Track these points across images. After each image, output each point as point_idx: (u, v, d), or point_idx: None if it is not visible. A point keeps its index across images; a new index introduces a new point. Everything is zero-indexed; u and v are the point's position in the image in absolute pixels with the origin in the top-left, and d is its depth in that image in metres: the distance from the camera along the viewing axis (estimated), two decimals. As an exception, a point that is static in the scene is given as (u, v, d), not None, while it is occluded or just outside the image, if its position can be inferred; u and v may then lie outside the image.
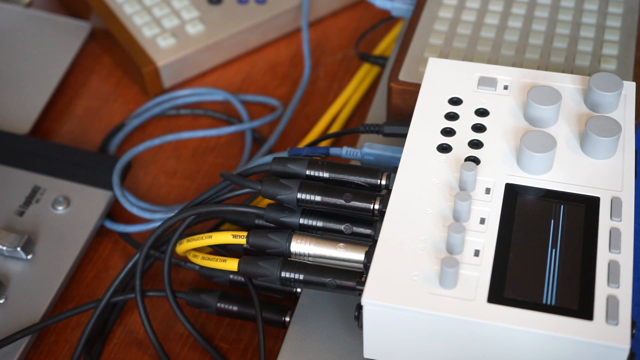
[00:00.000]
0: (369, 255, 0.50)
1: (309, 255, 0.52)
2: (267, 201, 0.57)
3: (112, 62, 0.80)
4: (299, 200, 0.52)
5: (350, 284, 0.50)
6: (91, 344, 0.59)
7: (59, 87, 0.76)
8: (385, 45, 0.78)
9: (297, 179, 0.53)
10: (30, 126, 0.71)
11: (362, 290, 0.46)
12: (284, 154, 0.59)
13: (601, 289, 0.44)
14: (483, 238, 0.47)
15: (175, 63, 0.75)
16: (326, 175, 0.53)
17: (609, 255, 0.46)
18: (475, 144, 0.51)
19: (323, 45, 0.81)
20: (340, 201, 0.52)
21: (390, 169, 0.56)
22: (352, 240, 0.52)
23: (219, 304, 0.58)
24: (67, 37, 0.78)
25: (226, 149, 0.73)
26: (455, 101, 0.54)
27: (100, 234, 0.66)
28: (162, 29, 0.76)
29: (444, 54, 0.61)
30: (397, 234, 0.47)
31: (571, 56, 0.60)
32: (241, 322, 0.61)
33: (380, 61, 0.75)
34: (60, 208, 0.64)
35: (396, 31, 0.78)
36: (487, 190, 0.49)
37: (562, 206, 0.48)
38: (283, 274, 0.52)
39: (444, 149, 0.51)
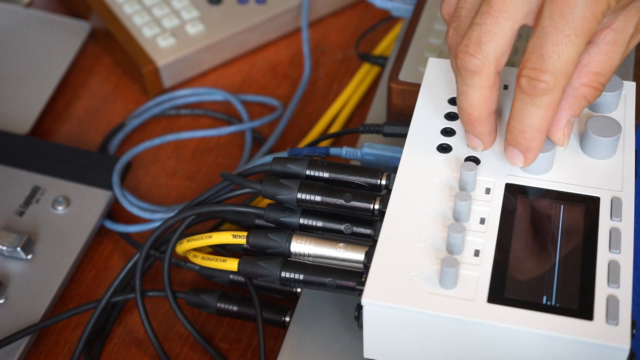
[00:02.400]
0: (369, 255, 0.50)
1: (309, 255, 0.52)
2: (267, 201, 0.57)
3: (112, 62, 0.80)
4: (299, 200, 0.52)
5: (350, 284, 0.50)
6: (91, 344, 0.59)
7: (59, 87, 0.76)
8: (385, 45, 0.78)
9: (297, 179, 0.53)
10: (30, 126, 0.71)
11: (362, 290, 0.46)
12: (284, 154, 0.59)
13: (601, 289, 0.44)
14: (483, 238, 0.47)
15: (175, 63, 0.75)
16: (326, 175, 0.53)
17: (609, 255, 0.46)
18: (475, 144, 0.52)
19: (323, 45, 0.81)
20: (340, 201, 0.52)
21: (390, 169, 0.56)
22: (352, 240, 0.52)
23: (219, 304, 0.58)
24: (67, 37, 0.78)
25: (226, 149, 0.73)
26: (455, 101, 0.54)
27: (100, 234, 0.66)
28: (162, 29, 0.76)
29: (444, 54, 0.61)
30: (397, 234, 0.47)
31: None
32: (241, 322, 0.61)
33: (380, 61, 0.75)
34: (60, 208, 0.64)
35: (396, 31, 0.78)
36: (487, 190, 0.49)
37: (562, 206, 0.48)
38: (283, 274, 0.52)
39: (444, 149, 0.51)
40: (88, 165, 0.67)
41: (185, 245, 0.55)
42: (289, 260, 0.52)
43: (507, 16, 0.45)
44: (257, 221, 0.59)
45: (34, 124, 0.72)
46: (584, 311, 0.44)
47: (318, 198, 0.52)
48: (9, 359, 0.56)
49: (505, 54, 0.46)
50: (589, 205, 0.48)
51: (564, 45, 0.44)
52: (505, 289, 0.45)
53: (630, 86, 0.54)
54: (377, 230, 0.51)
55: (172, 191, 0.70)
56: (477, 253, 0.46)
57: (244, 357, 0.59)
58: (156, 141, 0.71)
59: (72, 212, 0.64)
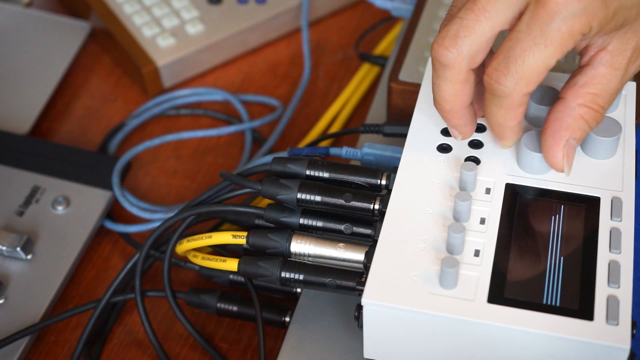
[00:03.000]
0: (369, 255, 0.50)
1: (309, 255, 0.52)
2: (267, 201, 0.57)
3: (112, 62, 0.80)
4: (299, 200, 0.52)
5: (350, 284, 0.50)
6: (91, 344, 0.59)
7: (59, 87, 0.76)
8: (385, 45, 0.78)
9: (297, 179, 0.53)
10: (30, 126, 0.71)
11: (362, 291, 0.46)
12: (284, 154, 0.59)
13: (601, 289, 0.44)
14: (483, 238, 0.47)
15: (175, 63, 0.75)
16: (326, 175, 0.53)
17: (609, 256, 0.46)
18: (475, 144, 0.51)
19: (323, 45, 0.81)
20: (340, 201, 0.52)
21: (390, 169, 0.56)
22: (352, 240, 0.52)
23: (218, 304, 0.58)
24: (67, 37, 0.78)
25: (226, 149, 0.73)
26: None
27: (100, 234, 0.66)
28: (162, 29, 0.76)
29: (444, 54, 0.61)
30: (397, 234, 0.47)
31: (571, 55, 0.60)
32: (241, 322, 0.60)
33: (380, 61, 0.75)
34: (60, 208, 0.64)
35: (396, 31, 0.78)
36: (487, 190, 0.49)
37: (562, 206, 0.48)
38: (283, 274, 0.51)
39: (444, 149, 0.51)
40: (88, 165, 0.67)
41: (185, 245, 0.55)
42: (289, 260, 0.52)
43: (489, 16, 0.45)
44: (257, 221, 0.59)
45: (34, 124, 0.72)
46: (584, 311, 0.44)
47: (318, 198, 0.52)
48: (8, 359, 0.56)
49: (481, 53, 0.46)
50: (589, 205, 0.48)
51: (531, 52, 0.44)
52: (505, 289, 0.45)
53: (630, 86, 0.54)
54: (377, 230, 0.50)
55: (172, 191, 0.70)
56: (477, 253, 0.46)
57: (244, 357, 0.59)
58: (156, 141, 0.71)
59: (72, 212, 0.64)
